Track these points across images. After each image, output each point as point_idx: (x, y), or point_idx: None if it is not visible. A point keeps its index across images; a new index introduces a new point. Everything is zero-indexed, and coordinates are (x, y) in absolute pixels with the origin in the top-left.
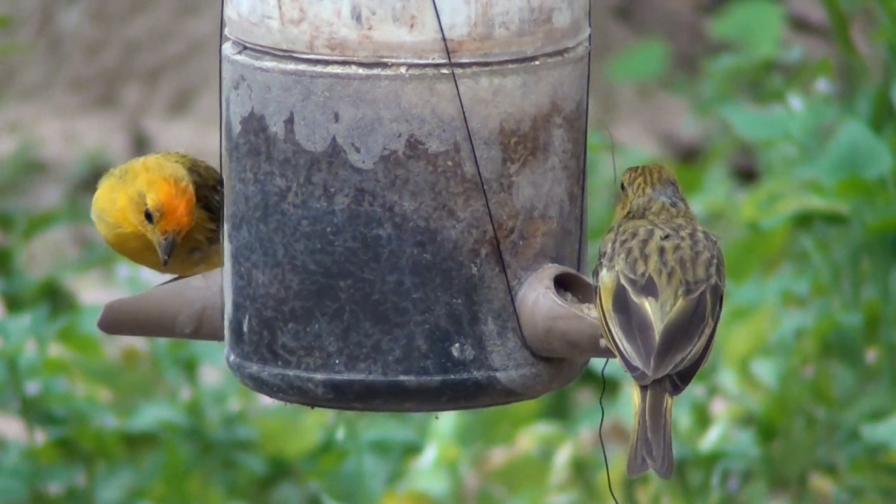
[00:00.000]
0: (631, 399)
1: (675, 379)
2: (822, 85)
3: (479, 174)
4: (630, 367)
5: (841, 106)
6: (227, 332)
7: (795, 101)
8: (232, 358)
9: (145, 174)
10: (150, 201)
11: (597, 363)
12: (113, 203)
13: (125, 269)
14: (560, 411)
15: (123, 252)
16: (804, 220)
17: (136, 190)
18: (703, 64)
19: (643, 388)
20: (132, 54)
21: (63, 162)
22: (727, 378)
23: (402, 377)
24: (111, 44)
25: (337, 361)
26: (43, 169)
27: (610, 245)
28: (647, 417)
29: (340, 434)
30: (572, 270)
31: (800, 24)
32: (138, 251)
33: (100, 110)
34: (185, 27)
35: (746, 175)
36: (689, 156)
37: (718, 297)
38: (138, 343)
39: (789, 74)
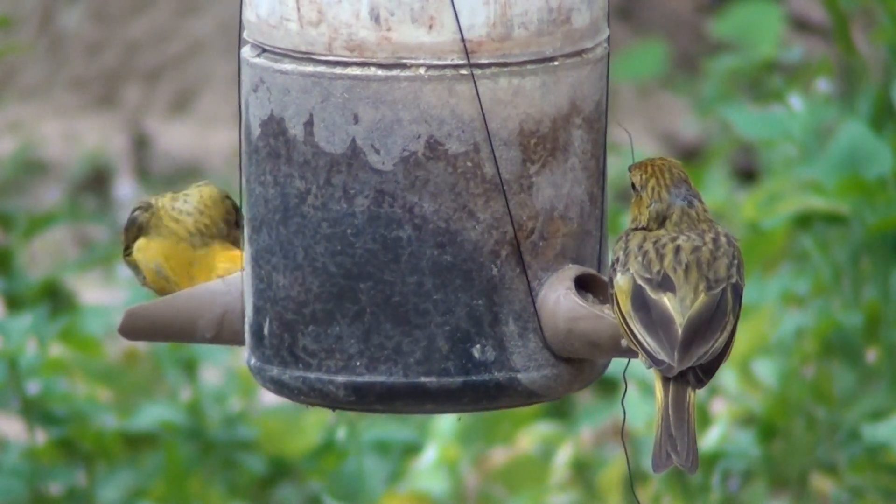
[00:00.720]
0: (640, 403)
1: (699, 372)
2: (822, 85)
3: (499, 175)
4: (655, 361)
5: (841, 106)
6: (247, 336)
7: (795, 101)
8: (253, 361)
9: (222, 255)
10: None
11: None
12: (190, 278)
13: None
14: (560, 411)
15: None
16: (804, 220)
17: (216, 276)
18: (703, 64)
19: (666, 383)
20: (132, 54)
21: (63, 162)
22: (727, 378)
23: (423, 379)
24: (111, 44)
25: (358, 363)
26: (43, 169)
27: (622, 252)
28: (670, 412)
29: (341, 434)
30: (593, 271)
31: (800, 24)
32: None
33: (100, 110)
34: (185, 27)
35: (746, 175)
36: (689, 156)
37: (738, 296)
38: (139, 343)
39: (789, 74)
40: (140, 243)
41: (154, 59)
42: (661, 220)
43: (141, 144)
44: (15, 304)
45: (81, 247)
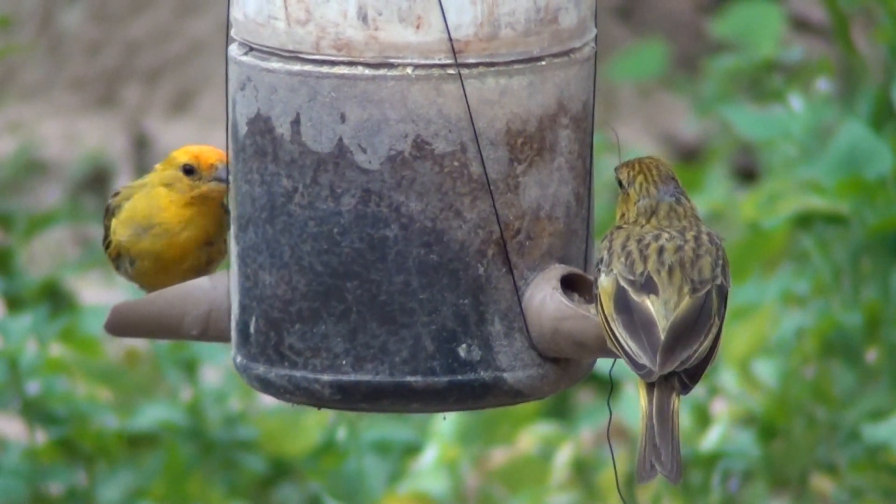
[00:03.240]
0: (637, 401)
1: (684, 378)
2: (822, 85)
3: (486, 175)
4: (636, 366)
5: (841, 106)
6: (233, 334)
7: (795, 101)
8: (238, 359)
9: (178, 151)
10: (182, 157)
11: (603, 363)
12: (155, 201)
13: None
14: (560, 411)
15: (165, 268)
16: (804, 220)
17: (168, 173)
18: (703, 64)
19: (650, 390)
20: (132, 54)
21: (63, 162)
22: (727, 378)
23: (408, 378)
24: (111, 44)
25: (344, 362)
26: (43, 169)
27: (606, 252)
28: (654, 421)
29: (341, 434)
30: (579, 271)
31: (800, 24)
32: (183, 272)
33: (100, 110)
34: (185, 27)
35: (746, 175)
36: (689, 156)
37: (724, 298)
38: (139, 343)
39: (789, 74)
40: (114, 223)
41: (154, 59)
42: (649, 215)
43: (141, 144)
44: (15, 304)
45: (81, 247)
